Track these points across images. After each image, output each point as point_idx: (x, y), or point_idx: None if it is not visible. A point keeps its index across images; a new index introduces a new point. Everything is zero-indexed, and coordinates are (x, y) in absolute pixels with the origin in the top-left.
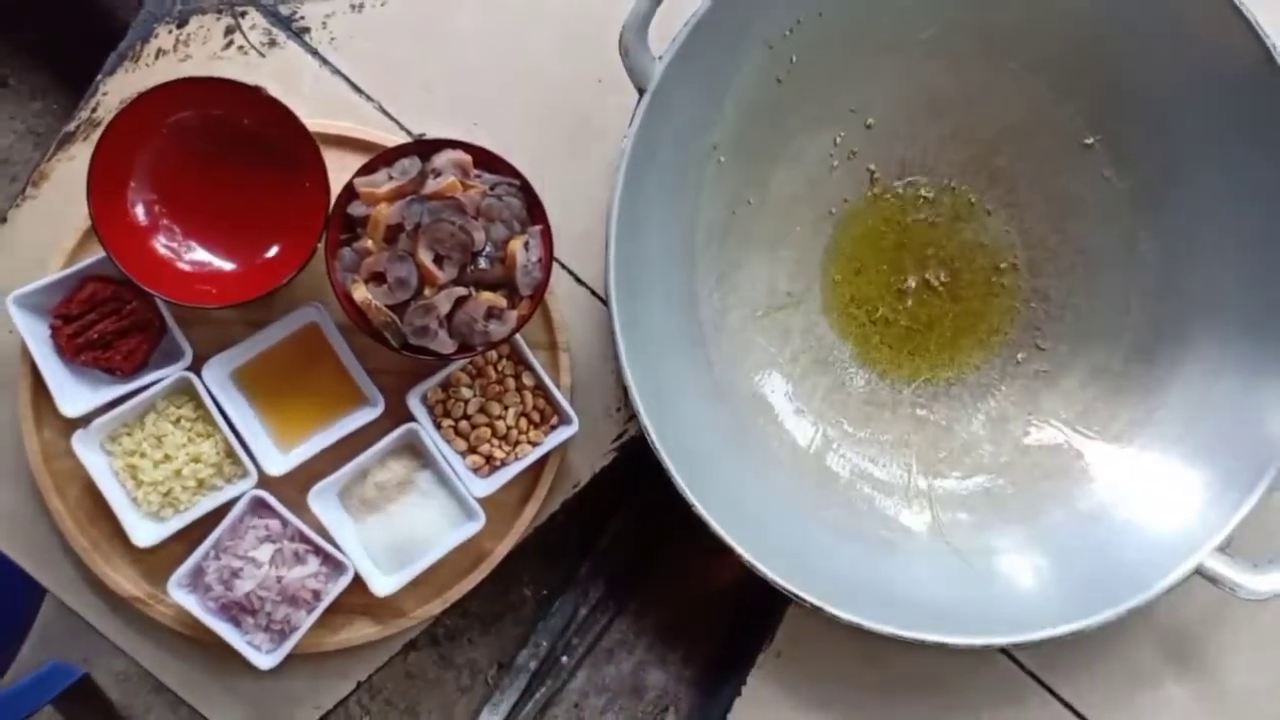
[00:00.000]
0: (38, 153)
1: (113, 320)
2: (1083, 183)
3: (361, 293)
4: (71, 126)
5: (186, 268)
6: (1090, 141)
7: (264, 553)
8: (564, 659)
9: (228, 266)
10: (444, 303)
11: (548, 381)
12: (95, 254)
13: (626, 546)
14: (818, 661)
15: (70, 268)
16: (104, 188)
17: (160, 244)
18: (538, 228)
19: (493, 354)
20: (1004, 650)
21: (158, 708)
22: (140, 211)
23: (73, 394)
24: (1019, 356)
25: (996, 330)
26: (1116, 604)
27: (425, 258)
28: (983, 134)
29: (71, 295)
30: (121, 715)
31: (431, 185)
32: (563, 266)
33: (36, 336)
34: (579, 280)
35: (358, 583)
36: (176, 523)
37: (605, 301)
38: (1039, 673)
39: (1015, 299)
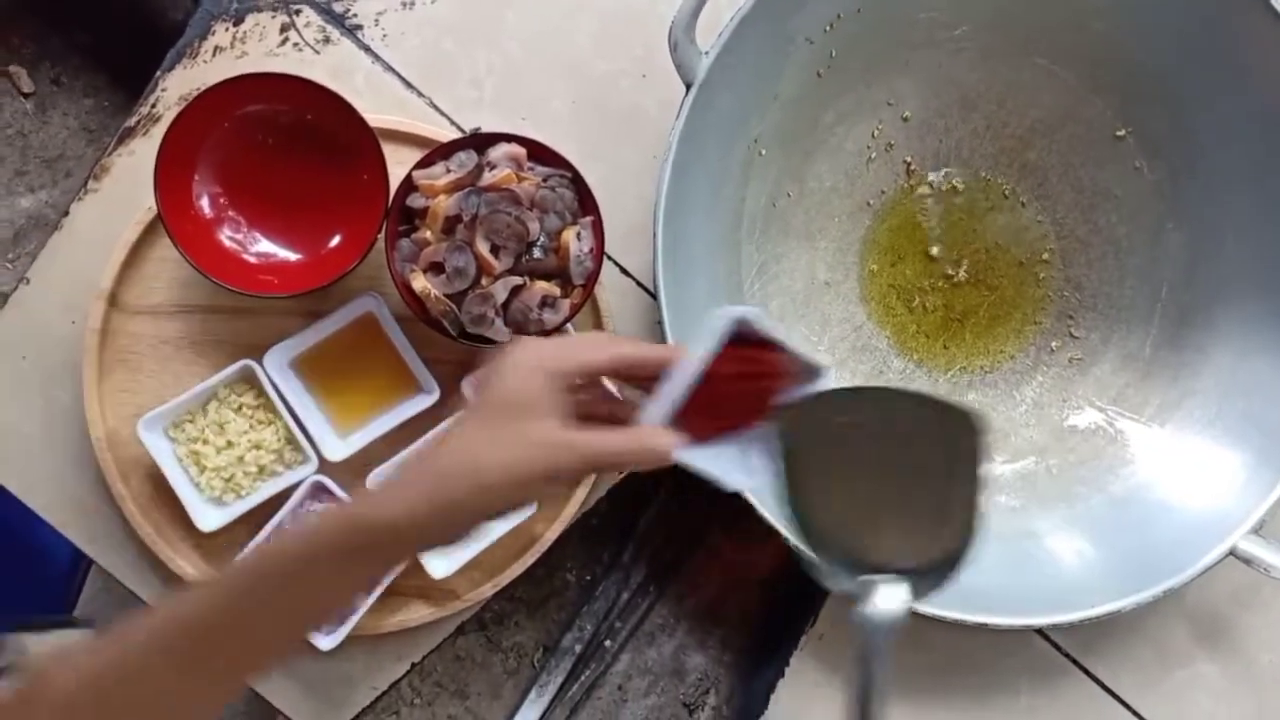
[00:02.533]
0: (90, 148)
1: None
2: (1113, 174)
3: (420, 282)
4: (131, 122)
5: (251, 259)
6: (1121, 133)
7: None
8: (607, 642)
9: (290, 257)
10: (501, 291)
11: None
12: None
13: (667, 531)
14: None
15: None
16: (170, 181)
17: (225, 236)
18: (589, 218)
19: None
20: (1040, 632)
21: None
22: (205, 204)
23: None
24: (1053, 344)
25: (1031, 319)
26: (1153, 585)
27: (482, 248)
28: (1014, 127)
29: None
30: None
31: (488, 177)
32: (609, 258)
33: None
34: (624, 271)
35: (414, 566)
36: (239, 507)
37: (650, 292)
38: (1074, 653)
39: (1049, 288)
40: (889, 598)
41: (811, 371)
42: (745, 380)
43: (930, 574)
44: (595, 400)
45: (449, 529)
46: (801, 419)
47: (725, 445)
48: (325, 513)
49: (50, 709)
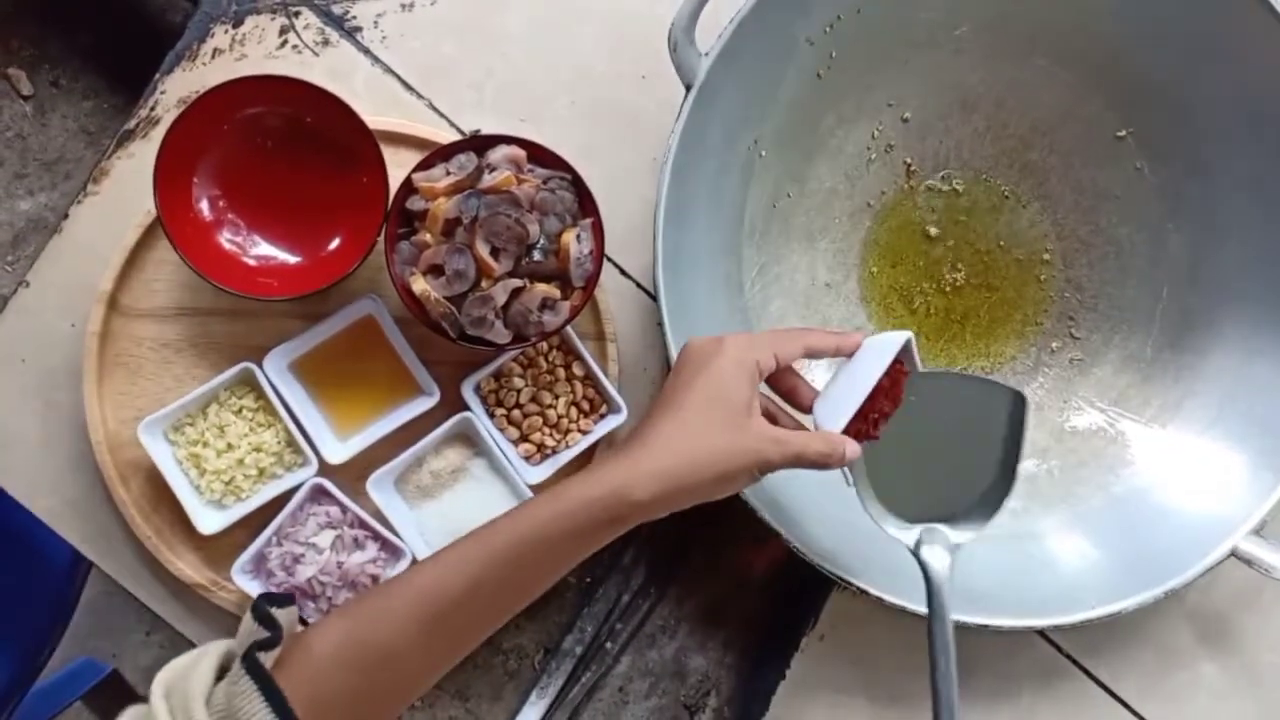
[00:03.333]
0: (89, 151)
1: None
2: (1114, 175)
3: (420, 285)
4: (131, 124)
5: (251, 262)
6: (1122, 134)
7: (324, 539)
8: (608, 644)
9: (290, 260)
10: (500, 294)
11: (597, 371)
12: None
13: (667, 532)
14: (862, 644)
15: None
16: (169, 184)
17: (225, 239)
18: (589, 220)
19: (544, 345)
20: (1042, 633)
21: None
22: (205, 207)
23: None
24: (1053, 345)
25: (1031, 320)
26: (1154, 586)
27: (482, 250)
28: (1015, 128)
29: None
30: None
31: (487, 180)
32: (609, 260)
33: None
34: (624, 272)
35: None
36: (239, 510)
37: (651, 294)
38: (1076, 655)
39: (1049, 289)
40: (940, 542)
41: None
42: (887, 397)
43: (973, 519)
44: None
45: (674, 508)
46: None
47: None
48: (584, 483)
49: (311, 676)
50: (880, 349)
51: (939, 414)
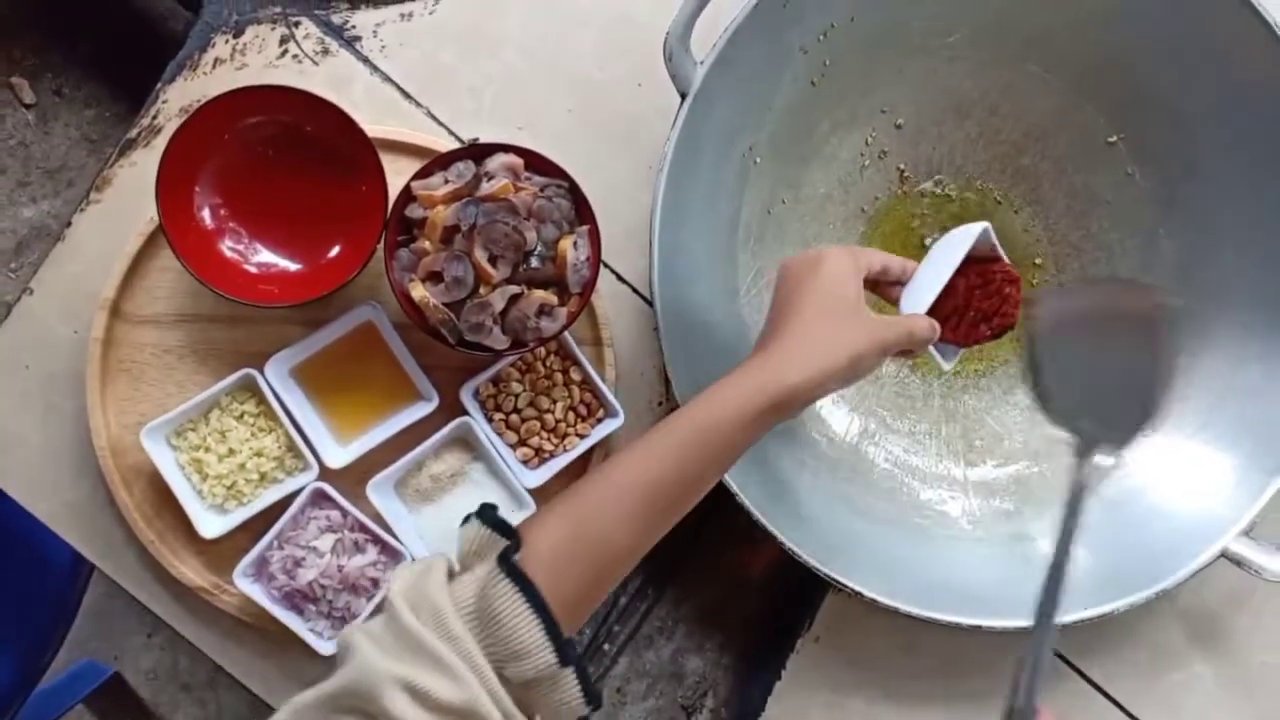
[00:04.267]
0: (92, 159)
1: None
2: (1105, 180)
3: (419, 291)
4: (133, 133)
5: (252, 269)
6: (1114, 140)
7: (325, 542)
8: (605, 645)
9: (291, 267)
10: (499, 300)
11: (594, 376)
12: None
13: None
14: (856, 646)
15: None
16: (171, 193)
17: (226, 246)
18: (586, 227)
19: (541, 350)
20: None
21: (186, 704)
22: (206, 215)
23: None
24: None
25: (1024, 323)
26: (1145, 587)
27: (481, 257)
28: (1008, 134)
29: None
30: (151, 712)
31: (486, 188)
32: (606, 265)
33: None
34: (621, 278)
35: None
36: (240, 514)
37: (647, 299)
38: (1069, 655)
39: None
40: (1102, 456)
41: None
42: (983, 293)
43: (1125, 434)
44: None
45: (819, 396)
46: (1041, 306)
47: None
48: (743, 379)
49: (547, 572)
50: (955, 240)
51: (1098, 323)
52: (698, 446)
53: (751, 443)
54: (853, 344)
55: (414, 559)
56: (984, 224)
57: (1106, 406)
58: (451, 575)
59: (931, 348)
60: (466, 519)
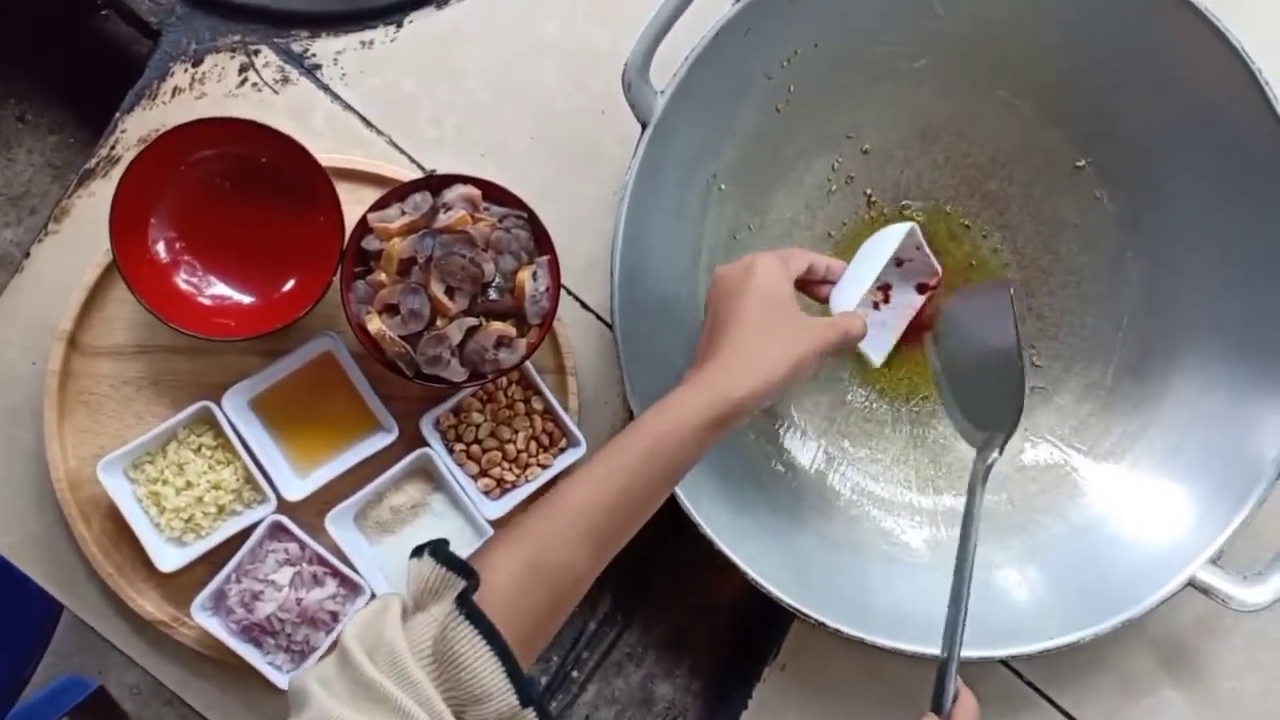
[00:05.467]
0: (55, 185)
1: None
2: (1073, 204)
3: (376, 324)
4: (91, 163)
5: (207, 302)
6: (1081, 164)
7: (284, 575)
8: (574, 673)
9: (246, 300)
10: (456, 333)
11: (556, 406)
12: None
13: (632, 560)
14: (822, 674)
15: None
16: (126, 227)
17: (181, 280)
18: (545, 258)
19: (503, 380)
20: (1003, 661)
21: (169, 719)
22: (161, 249)
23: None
24: None
25: None
26: (1112, 616)
27: (437, 290)
28: (975, 159)
29: None
30: None
31: (442, 219)
32: (569, 293)
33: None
34: (585, 306)
35: None
36: (198, 548)
37: (611, 327)
38: (1038, 683)
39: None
40: (993, 451)
41: (929, 268)
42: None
43: (1006, 426)
44: None
45: (763, 405)
46: (939, 322)
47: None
48: (686, 396)
49: (504, 607)
50: (883, 240)
51: (975, 328)
52: (646, 466)
53: (699, 457)
54: (793, 349)
55: (373, 595)
56: (910, 224)
57: (990, 402)
58: (406, 614)
59: (861, 344)
60: (417, 551)
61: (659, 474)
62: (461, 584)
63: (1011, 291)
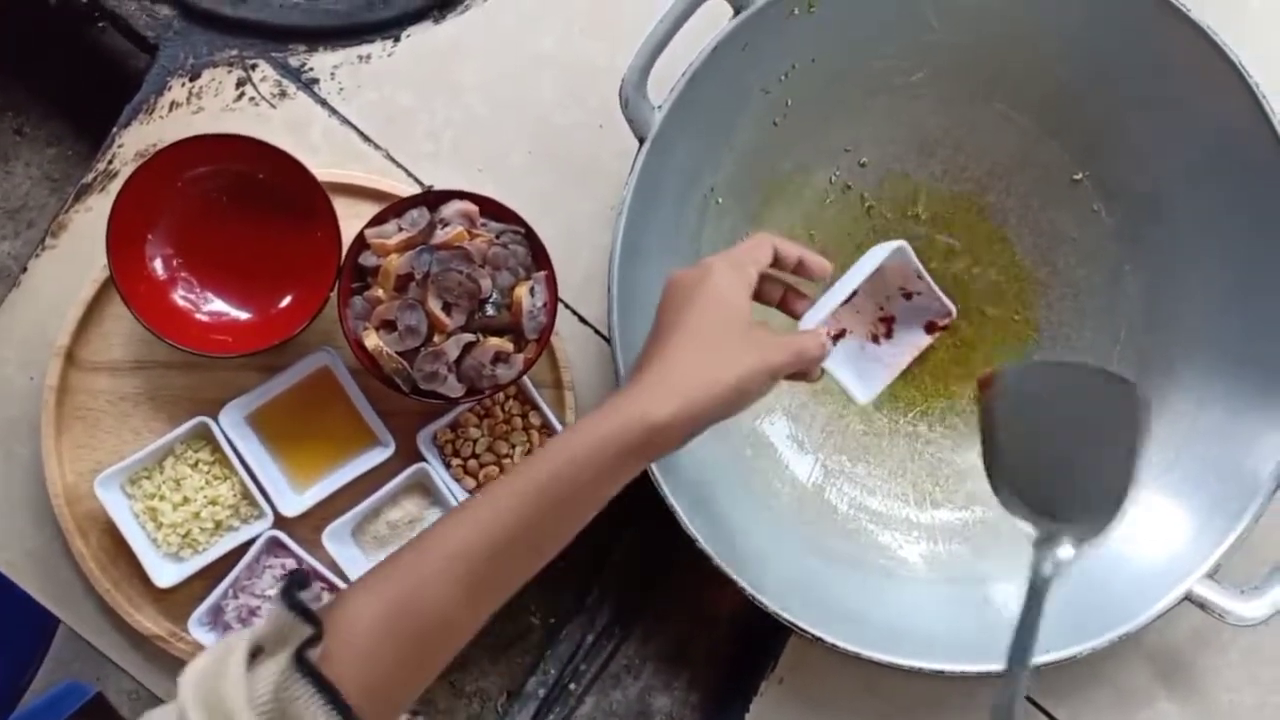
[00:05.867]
0: (53, 198)
1: None
2: (1071, 217)
3: (373, 340)
4: (89, 178)
5: (204, 318)
6: (1079, 177)
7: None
8: (572, 685)
9: (243, 316)
10: (453, 349)
11: (554, 420)
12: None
13: (632, 572)
14: (820, 688)
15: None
16: (123, 243)
17: (179, 296)
18: (542, 273)
19: (500, 394)
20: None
21: None
22: (159, 265)
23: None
24: None
25: (989, 361)
26: (1109, 630)
27: (434, 306)
28: (973, 171)
29: None
30: None
31: (440, 235)
32: (567, 307)
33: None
34: (583, 320)
35: None
36: (195, 563)
37: (609, 341)
38: (1035, 695)
39: (1007, 331)
40: (1064, 548)
41: (939, 307)
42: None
43: (1091, 527)
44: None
45: (696, 430)
46: (1003, 385)
47: (851, 356)
48: (601, 416)
49: (360, 660)
50: (867, 257)
51: (1066, 406)
52: (535, 504)
53: (612, 492)
54: (732, 369)
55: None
56: (899, 242)
57: (1071, 495)
58: (258, 654)
59: (840, 374)
60: (283, 588)
61: (554, 514)
62: (305, 634)
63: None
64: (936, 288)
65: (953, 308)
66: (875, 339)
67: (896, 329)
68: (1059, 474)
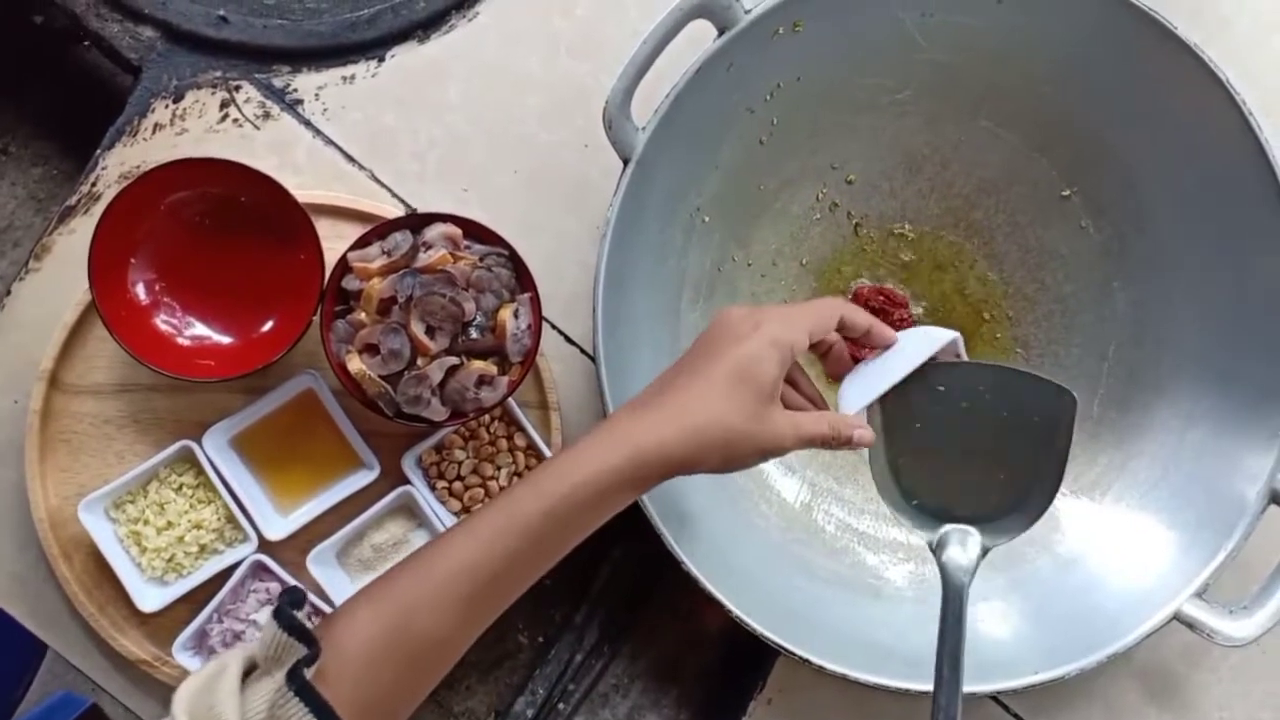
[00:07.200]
0: (39, 218)
1: None
2: (1059, 233)
3: (356, 364)
4: (72, 200)
5: (186, 343)
6: (1067, 193)
7: (265, 615)
8: (560, 705)
9: (226, 340)
10: (436, 372)
11: (539, 442)
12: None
13: (620, 591)
14: (808, 708)
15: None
16: (105, 268)
17: (161, 321)
18: (527, 295)
19: (485, 416)
20: (990, 694)
21: None
22: (141, 290)
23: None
24: None
25: None
26: (1097, 650)
27: (417, 329)
28: (960, 188)
29: None
30: None
31: (423, 259)
32: (553, 327)
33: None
34: (569, 339)
35: None
36: (180, 587)
37: (594, 360)
38: (1025, 715)
39: (995, 347)
40: (967, 544)
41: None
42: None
43: (1004, 526)
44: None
45: (671, 474)
46: (904, 386)
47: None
48: (601, 445)
49: (355, 679)
50: (922, 341)
51: (977, 408)
52: (540, 533)
53: (603, 518)
54: (737, 442)
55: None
56: (954, 333)
57: (975, 496)
58: (252, 672)
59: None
60: (277, 608)
61: (556, 535)
62: (300, 653)
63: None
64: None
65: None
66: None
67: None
68: (963, 473)
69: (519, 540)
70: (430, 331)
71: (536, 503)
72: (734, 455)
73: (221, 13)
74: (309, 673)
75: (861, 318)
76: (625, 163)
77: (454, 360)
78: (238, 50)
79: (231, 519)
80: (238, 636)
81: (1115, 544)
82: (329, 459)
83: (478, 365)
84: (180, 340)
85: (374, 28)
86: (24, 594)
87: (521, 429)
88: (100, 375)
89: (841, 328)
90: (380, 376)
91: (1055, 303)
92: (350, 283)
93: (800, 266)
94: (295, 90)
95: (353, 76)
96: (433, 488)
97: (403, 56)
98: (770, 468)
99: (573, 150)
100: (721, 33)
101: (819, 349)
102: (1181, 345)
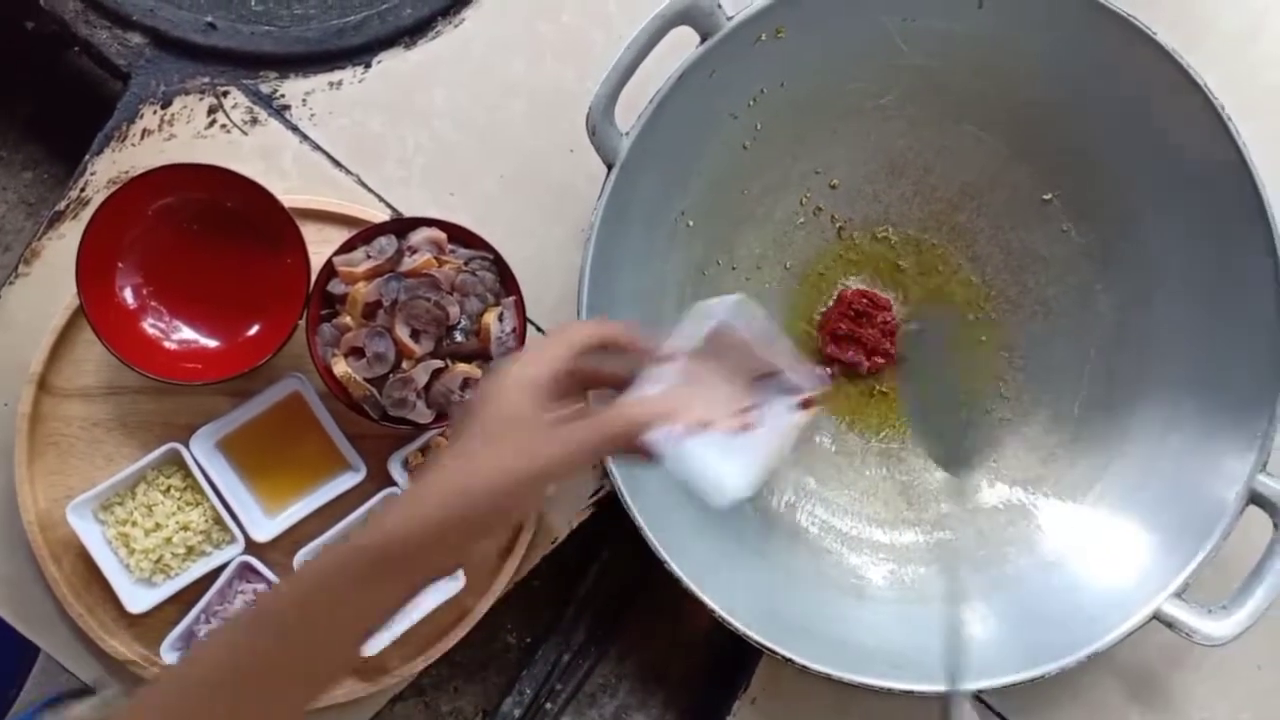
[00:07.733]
0: (29, 222)
1: None
2: (1042, 236)
3: (342, 367)
4: (61, 205)
5: (173, 347)
6: (1049, 197)
7: None
8: (548, 705)
9: (213, 344)
10: (421, 375)
11: None
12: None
13: (607, 592)
14: (793, 708)
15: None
16: (92, 273)
17: (148, 325)
18: (511, 299)
19: None
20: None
21: None
22: (128, 294)
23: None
24: (984, 405)
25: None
26: (1077, 650)
27: (402, 333)
28: (944, 192)
29: None
30: None
31: (408, 263)
32: (539, 330)
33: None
34: None
35: None
36: (168, 588)
37: None
38: (1008, 714)
39: (979, 348)
40: None
41: (807, 379)
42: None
43: None
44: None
45: (449, 548)
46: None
47: (709, 448)
48: (359, 532)
49: None
50: (699, 315)
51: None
52: (272, 631)
53: (371, 613)
54: (489, 481)
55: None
56: (737, 295)
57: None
58: None
59: (706, 472)
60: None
61: (297, 642)
62: None
63: None
64: (797, 357)
65: (824, 376)
66: (744, 428)
67: (764, 415)
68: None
69: (251, 645)
70: (415, 335)
71: (271, 604)
72: (506, 494)
73: (209, 19)
74: None
75: (612, 328)
76: (609, 167)
77: (439, 363)
78: (225, 56)
79: (219, 521)
80: None
81: (1096, 544)
82: (315, 461)
83: (462, 368)
84: (167, 344)
85: (361, 34)
86: (13, 596)
87: None
88: (89, 379)
89: (605, 345)
90: (366, 380)
91: (1037, 305)
92: (336, 287)
93: (784, 270)
94: (282, 96)
95: (340, 82)
96: None
97: (389, 62)
98: None
99: (558, 155)
100: (704, 39)
101: (589, 381)
102: (1162, 349)
